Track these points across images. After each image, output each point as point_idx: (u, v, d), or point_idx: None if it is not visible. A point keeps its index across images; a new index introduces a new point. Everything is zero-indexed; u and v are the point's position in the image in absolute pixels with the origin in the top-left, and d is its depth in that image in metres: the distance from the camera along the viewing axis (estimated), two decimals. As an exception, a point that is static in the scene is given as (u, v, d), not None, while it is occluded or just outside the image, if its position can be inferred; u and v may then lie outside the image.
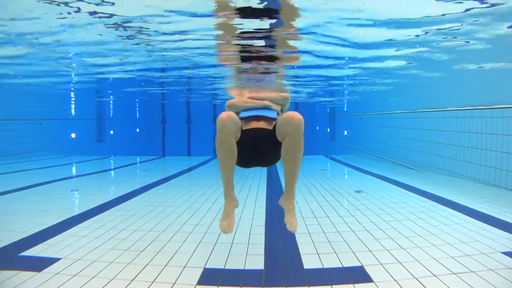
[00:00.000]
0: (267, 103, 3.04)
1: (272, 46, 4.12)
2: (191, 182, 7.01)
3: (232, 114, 2.40)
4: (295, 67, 5.53)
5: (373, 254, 2.95)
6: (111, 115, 17.09)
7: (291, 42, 4.03)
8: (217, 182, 6.59)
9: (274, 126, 2.61)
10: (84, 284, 2.44)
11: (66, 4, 2.85)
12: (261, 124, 2.86)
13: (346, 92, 9.79)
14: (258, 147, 2.69)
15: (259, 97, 3.10)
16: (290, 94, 3.47)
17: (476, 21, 3.26)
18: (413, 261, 2.79)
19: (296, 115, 2.37)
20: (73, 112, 14.49)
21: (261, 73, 5.60)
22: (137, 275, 2.59)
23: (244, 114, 3.00)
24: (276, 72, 5.65)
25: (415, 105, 8.54)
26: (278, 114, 3.09)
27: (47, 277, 2.54)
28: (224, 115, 2.37)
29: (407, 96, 8.79)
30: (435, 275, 2.51)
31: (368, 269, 2.65)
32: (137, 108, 18.82)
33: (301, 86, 7.98)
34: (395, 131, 9.82)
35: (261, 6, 2.88)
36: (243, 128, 2.85)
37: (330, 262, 2.80)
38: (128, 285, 2.43)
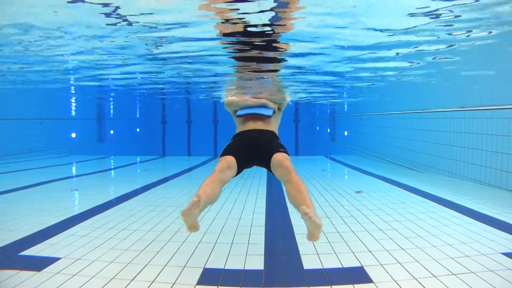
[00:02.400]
0: (264, 101, 3.20)
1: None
2: (191, 182, 7.00)
3: (226, 165, 2.65)
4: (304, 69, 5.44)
5: (373, 255, 2.95)
6: (111, 115, 17.09)
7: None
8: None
9: (276, 147, 2.77)
10: (84, 283, 2.43)
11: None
12: (258, 125, 3.03)
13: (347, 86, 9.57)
14: (257, 151, 2.80)
15: (256, 96, 3.30)
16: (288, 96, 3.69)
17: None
18: (413, 261, 2.79)
19: (284, 164, 2.59)
20: (73, 111, 14.48)
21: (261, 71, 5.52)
22: (137, 275, 2.59)
23: (241, 112, 3.17)
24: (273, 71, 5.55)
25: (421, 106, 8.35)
26: (274, 112, 3.22)
27: (47, 276, 2.54)
28: (222, 163, 2.65)
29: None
30: (435, 276, 2.51)
31: (368, 270, 2.65)
32: (138, 108, 18.81)
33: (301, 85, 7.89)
34: (395, 132, 9.81)
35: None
36: (242, 130, 3.06)
37: (330, 263, 2.80)
38: (127, 285, 2.43)
